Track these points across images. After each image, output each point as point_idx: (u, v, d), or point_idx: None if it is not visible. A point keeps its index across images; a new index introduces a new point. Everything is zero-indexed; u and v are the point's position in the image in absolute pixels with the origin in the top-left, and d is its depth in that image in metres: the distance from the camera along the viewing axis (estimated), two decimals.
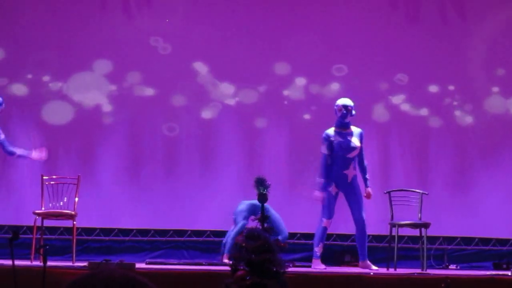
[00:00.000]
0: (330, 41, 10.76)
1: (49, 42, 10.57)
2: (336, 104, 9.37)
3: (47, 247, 6.99)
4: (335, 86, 10.76)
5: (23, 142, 9.95)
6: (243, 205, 9.62)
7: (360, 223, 9.31)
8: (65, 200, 9.71)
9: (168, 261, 9.81)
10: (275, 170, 10.29)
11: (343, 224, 10.15)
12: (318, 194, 9.21)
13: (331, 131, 9.30)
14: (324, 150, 9.23)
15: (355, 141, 9.31)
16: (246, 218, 9.48)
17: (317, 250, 9.32)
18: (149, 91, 10.69)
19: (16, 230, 7.01)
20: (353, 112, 9.33)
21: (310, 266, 9.39)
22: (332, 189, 9.30)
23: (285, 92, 10.76)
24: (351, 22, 10.79)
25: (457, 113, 10.86)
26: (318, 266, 9.19)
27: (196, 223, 10.47)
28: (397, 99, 10.80)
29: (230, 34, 10.72)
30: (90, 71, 10.65)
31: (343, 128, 9.33)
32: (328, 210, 9.26)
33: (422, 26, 10.84)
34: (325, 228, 9.32)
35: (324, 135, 9.28)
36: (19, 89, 10.57)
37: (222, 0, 10.86)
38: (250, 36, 10.72)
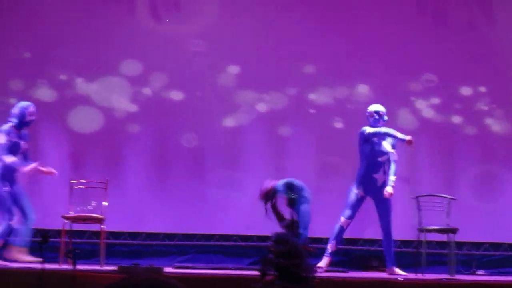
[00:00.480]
0: (357, 46, 10.74)
1: (76, 45, 10.61)
2: (368, 110, 9.41)
3: (77, 251, 7.03)
4: (363, 89, 10.72)
5: (50, 148, 10.00)
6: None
7: (387, 229, 9.29)
8: (93, 204, 9.76)
9: (195, 265, 9.82)
10: (302, 175, 10.27)
11: (370, 229, 10.12)
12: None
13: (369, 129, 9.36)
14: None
15: (386, 146, 9.33)
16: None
17: (329, 247, 9.31)
18: (177, 96, 10.72)
19: (45, 234, 7.06)
20: (385, 117, 9.38)
21: (336, 271, 9.39)
22: (359, 192, 9.30)
23: (312, 97, 10.72)
24: (377, 26, 10.75)
25: (488, 120, 10.79)
26: (323, 264, 9.16)
27: (223, 228, 10.48)
28: (426, 104, 10.74)
29: (260, 38, 10.71)
30: (118, 75, 10.68)
31: None
32: (350, 210, 9.28)
33: (450, 30, 10.78)
34: (341, 227, 9.32)
35: (361, 130, 9.31)
36: (46, 94, 10.62)
37: (249, 4, 10.85)
38: (278, 40, 10.72)
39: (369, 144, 9.32)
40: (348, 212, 9.29)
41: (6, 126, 9.18)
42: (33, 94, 10.50)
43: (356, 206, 9.32)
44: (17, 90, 10.54)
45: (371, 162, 9.32)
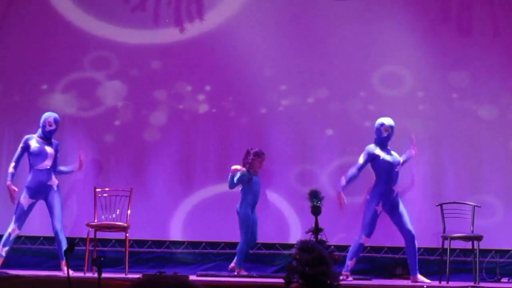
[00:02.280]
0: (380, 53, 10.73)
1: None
2: (382, 123, 9.38)
3: (102, 259, 7.03)
4: (389, 96, 10.70)
5: (75, 157, 10.05)
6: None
7: (410, 236, 9.26)
8: (117, 212, 9.78)
9: (219, 273, 9.82)
10: (325, 184, 10.26)
11: (394, 237, 10.08)
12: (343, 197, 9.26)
13: (374, 148, 9.33)
14: (361, 160, 9.26)
15: (396, 156, 9.34)
16: None
17: (350, 264, 9.28)
18: (202, 106, 10.74)
19: (71, 242, 7.08)
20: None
21: (361, 279, 9.37)
22: (379, 207, 9.28)
23: (336, 103, 10.71)
24: (402, 35, 10.74)
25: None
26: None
27: None
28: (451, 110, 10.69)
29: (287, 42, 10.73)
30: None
31: (384, 146, 9.37)
32: (370, 227, 9.25)
33: (475, 38, 10.74)
34: (362, 245, 9.31)
35: (369, 150, 9.30)
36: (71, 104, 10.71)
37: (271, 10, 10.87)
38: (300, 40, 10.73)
39: (380, 159, 9.32)
40: (368, 229, 9.25)
41: (34, 134, 9.37)
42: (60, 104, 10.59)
43: (375, 222, 9.29)
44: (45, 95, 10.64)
45: (389, 175, 9.30)
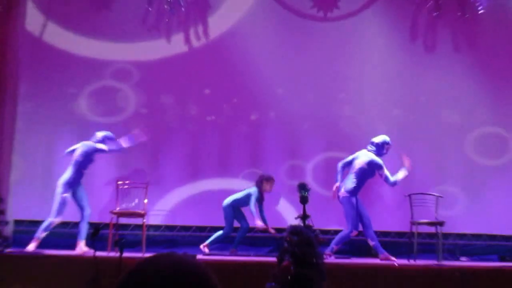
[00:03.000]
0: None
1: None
2: (388, 142, 9.52)
3: (123, 241, 7.06)
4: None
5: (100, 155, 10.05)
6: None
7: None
8: (136, 201, 9.80)
9: (222, 253, 9.83)
10: (313, 177, 10.28)
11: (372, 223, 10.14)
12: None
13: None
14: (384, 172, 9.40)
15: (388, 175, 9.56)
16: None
17: (334, 247, 9.32)
18: (206, 111, 10.76)
19: (97, 226, 7.10)
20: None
21: (342, 258, 9.40)
22: (354, 200, 9.33)
23: (320, 106, 10.73)
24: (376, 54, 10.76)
25: (473, 122, 10.78)
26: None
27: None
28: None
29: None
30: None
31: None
32: (356, 220, 9.31)
33: (438, 54, 10.78)
34: (349, 237, 9.34)
35: (382, 162, 9.41)
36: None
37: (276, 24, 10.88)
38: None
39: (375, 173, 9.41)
40: (356, 222, 9.30)
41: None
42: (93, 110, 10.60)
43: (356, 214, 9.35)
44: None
45: (369, 177, 9.42)
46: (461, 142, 10.74)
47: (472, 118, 10.76)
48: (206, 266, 1.81)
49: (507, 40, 10.83)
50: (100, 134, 9.63)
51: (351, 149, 10.09)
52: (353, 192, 9.36)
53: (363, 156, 9.49)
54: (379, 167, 9.38)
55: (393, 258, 9.25)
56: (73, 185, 9.37)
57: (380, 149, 9.49)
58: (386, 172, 9.37)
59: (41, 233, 9.27)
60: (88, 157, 9.48)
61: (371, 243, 9.34)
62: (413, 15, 10.80)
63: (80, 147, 9.53)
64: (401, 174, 9.48)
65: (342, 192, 9.39)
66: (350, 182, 9.40)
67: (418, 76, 10.77)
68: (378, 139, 9.53)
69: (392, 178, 9.37)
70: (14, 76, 10.39)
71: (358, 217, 9.29)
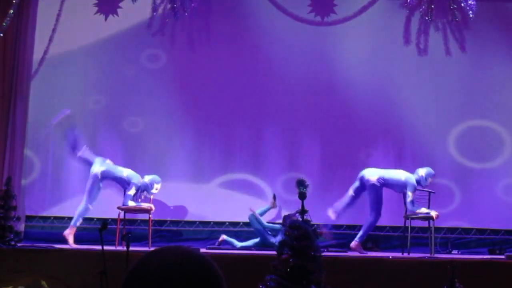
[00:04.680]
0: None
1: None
2: (433, 175, 9.62)
3: (130, 235, 7.06)
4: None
5: (108, 154, 10.08)
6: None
7: None
8: (142, 198, 9.81)
9: (224, 246, 9.85)
10: (311, 174, 10.29)
11: (365, 217, 10.18)
12: None
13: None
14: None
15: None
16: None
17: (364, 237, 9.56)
18: (208, 113, 10.76)
19: (104, 221, 7.11)
20: None
21: (338, 251, 9.41)
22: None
23: (322, 112, 10.73)
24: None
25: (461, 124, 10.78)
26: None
27: (246, 216, 10.49)
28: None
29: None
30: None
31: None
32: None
33: (430, 57, 10.78)
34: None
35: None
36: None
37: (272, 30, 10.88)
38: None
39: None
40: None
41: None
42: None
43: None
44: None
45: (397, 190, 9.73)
46: (449, 139, 10.73)
47: (462, 116, 10.75)
48: (210, 258, 1.82)
49: (497, 43, 10.83)
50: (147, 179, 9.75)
51: (346, 144, 10.10)
52: (382, 186, 9.45)
53: (404, 175, 9.54)
54: (412, 188, 9.42)
55: (364, 252, 9.31)
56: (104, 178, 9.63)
57: (423, 181, 9.53)
58: (411, 195, 9.41)
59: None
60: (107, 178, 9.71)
61: (362, 230, 9.42)
62: (406, 20, 10.79)
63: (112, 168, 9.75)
64: (423, 210, 9.49)
65: (374, 179, 9.44)
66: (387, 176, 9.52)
67: (411, 78, 10.76)
68: (423, 171, 9.56)
69: (414, 206, 9.41)
70: (26, 73, 10.39)
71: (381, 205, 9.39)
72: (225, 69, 10.74)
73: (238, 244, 9.86)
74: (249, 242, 9.84)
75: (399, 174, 9.55)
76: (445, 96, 10.74)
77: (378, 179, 9.47)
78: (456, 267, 6.93)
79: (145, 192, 9.68)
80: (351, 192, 9.59)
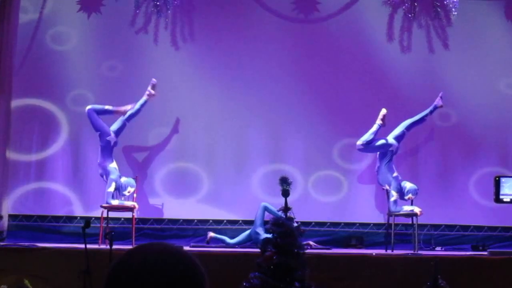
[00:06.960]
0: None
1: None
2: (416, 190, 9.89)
3: (113, 233, 7.05)
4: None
5: (92, 151, 10.03)
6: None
7: None
8: (126, 195, 9.79)
9: (211, 245, 9.84)
10: (293, 171, 10.30)
11: (350, 214, 10.20)
12: None
13: None
14: None
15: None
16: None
17: None
18: (195, 108, 10.73)
19: (87, 220, 7.09)
20: None
21: (322, 248, 9.42)
22: None
23: (305, 112, 10.73)
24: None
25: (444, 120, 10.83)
26: None
27: (231, 214, 10.49)
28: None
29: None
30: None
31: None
32: None
33: (414, 54, 10.82)
34: None
35: None
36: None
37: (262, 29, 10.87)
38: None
39: None
40: None
41: None
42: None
43: None
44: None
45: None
46: (435, 137, 10.78)
47: (446, 114, 10.79)
48: (193, 255, 1.82)
49: (478, 41, 10.89)
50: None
51: (330, 143, 10.12)
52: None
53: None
54: (396, 188, 9.78)
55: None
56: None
57: (403, 193, 9.81)
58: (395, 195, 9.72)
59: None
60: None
61: None
62: (390, 17, 10.82)
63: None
64: (406, 207, 9.66)
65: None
66: None
67: (395, 75, 10.79)
68: (409, 185, 9.86)
69: (396, 206, 9.63)
70: (8, 69, 10.31)
71: None
72: (209, 65, 10.71)
73: (231, 241, 9.83)
74: (241, 237, 9.80)
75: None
76: (427, 93, 10.77)
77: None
78: (439, 264, 6.98)
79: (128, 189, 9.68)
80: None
